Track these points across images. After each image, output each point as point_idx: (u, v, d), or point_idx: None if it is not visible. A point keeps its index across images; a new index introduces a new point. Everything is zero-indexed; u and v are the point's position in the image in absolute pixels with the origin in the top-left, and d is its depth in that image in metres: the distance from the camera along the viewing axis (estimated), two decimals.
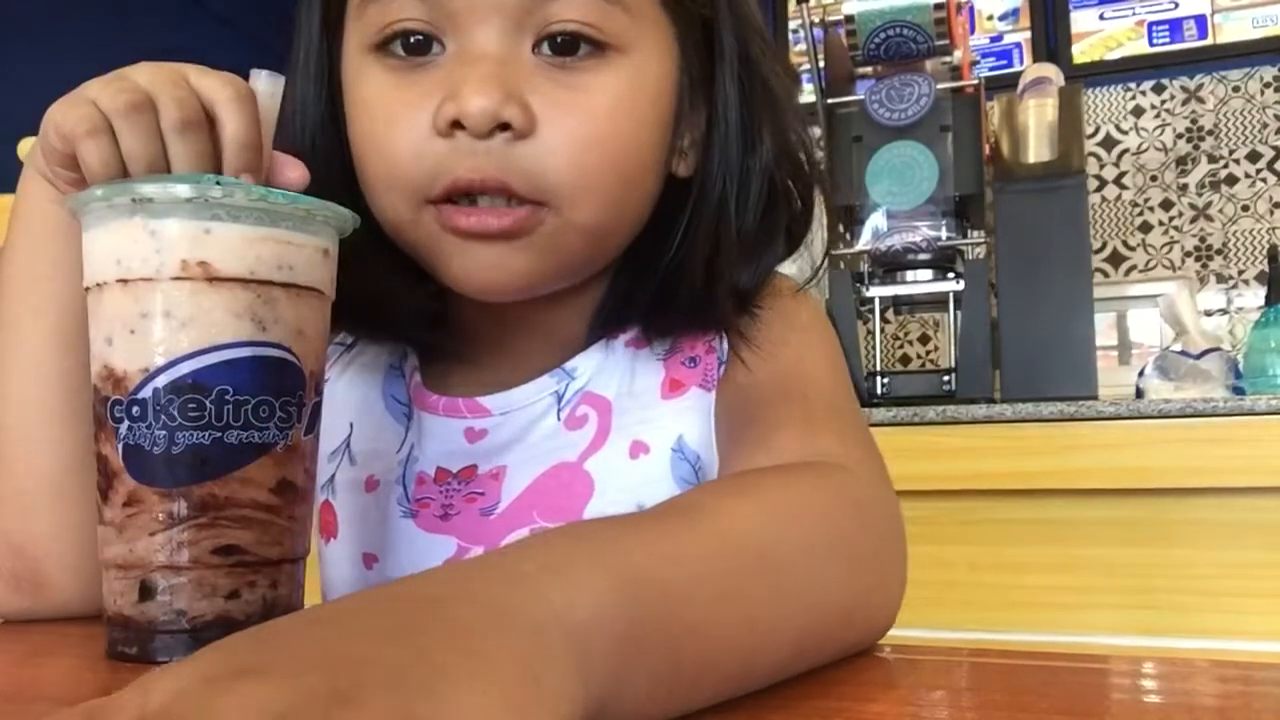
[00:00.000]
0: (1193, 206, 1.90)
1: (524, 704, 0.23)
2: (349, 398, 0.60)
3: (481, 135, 0.46)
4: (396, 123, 0.48)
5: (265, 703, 0.20)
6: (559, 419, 0.55)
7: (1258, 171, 1.87)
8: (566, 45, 0.47)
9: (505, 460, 0.55)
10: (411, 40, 0.48)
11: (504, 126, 0.46)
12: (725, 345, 0.55)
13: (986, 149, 1.43)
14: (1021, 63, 2.03)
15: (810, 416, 0.49)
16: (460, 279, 0.50)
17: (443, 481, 0.56)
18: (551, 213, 0.48)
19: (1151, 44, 1.96)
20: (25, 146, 1.73)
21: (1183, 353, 1.42)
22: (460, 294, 0.52)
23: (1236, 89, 1.90)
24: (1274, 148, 1.87)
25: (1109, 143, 1.96)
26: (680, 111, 0.52)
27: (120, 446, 0.39)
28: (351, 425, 0.60)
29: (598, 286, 0.56)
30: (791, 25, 2.19)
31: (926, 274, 1.47)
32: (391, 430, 0.58)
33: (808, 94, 1.53)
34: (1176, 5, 1.95)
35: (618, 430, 0.55)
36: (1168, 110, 1.93)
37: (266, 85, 0.44)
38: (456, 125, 0.46)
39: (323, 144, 0.53)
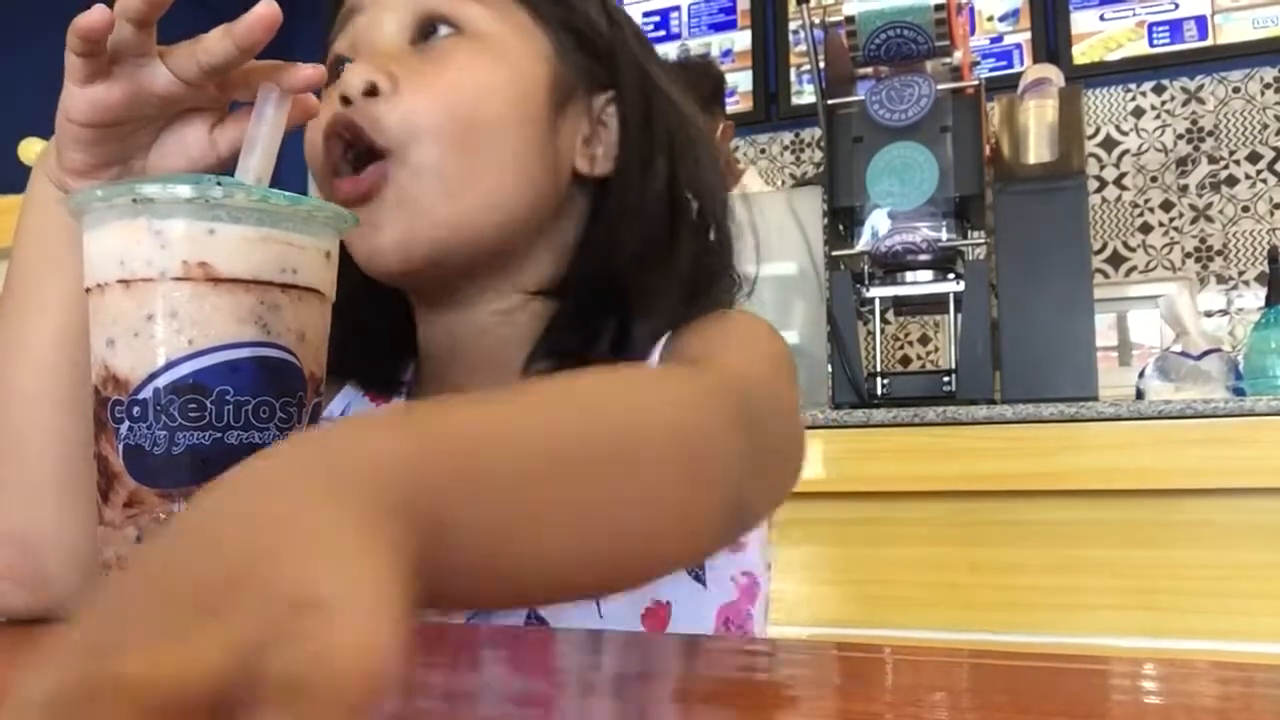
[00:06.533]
0: (1193, 207, 1.90)
1: (360, 563, 0.20)
2: None
3: (356, 100, 0.55)
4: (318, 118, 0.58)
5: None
6: None
7: (1258, 172, 1.87)
8: (430, 29, 0.58)
9: None
10: (341, 66, 0.58)
11: (373, 91, 0.55)
12: None
13: (987, 150, 1.43)
14: (1022, 63, 2.03)
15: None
16: (352, 250, 0.56)
17: None
18: (395, 163, 0.55)
19: (1152, 45, 1.96)
20: (26, 148, 1.73)
21: (1183, 354, 1.41)
22: (428, 353, 0.60)
23: (1237, 90, 1.90)
24: (1274, 148, 1.87)
25: (1109, 143, 1.96)
26: (565, 109, 0.59)
27: (120, 447, 0.39)
28: None
29: (538, 313, 0.60)
30: (791, 25, 2.19)
31: (927, 274, 1.47)
32: None
33: (808, 94, 1.53)
34: (1177, 6, 1.95)
35: None
36: (1168, 111, 1.93)
37: (276, 107, 0.44)
38: (345, 100, 0.55)
39: None
